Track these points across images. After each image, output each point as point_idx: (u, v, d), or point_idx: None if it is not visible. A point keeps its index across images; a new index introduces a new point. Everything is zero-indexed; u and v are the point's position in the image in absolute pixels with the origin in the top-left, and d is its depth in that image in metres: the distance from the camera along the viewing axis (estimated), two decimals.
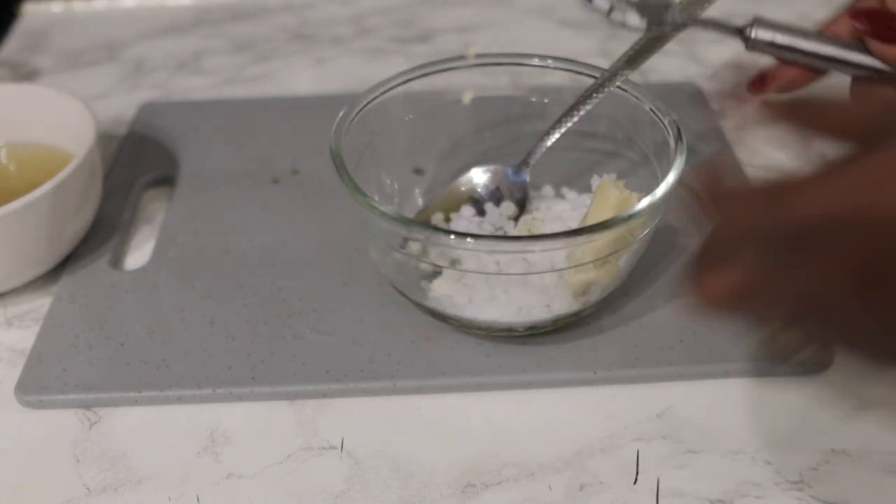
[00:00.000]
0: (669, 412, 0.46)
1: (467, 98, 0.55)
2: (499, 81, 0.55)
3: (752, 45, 0.41)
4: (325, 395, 0.47)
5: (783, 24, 0.42)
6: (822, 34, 0.42)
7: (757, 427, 0.45)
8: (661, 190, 0.44)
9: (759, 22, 0.42)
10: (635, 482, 0.43)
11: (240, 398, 0.47)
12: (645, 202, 0.43)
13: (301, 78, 0.77)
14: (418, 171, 0.57)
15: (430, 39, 0.82)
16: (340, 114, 0.50)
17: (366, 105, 0.51)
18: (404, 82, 0.53)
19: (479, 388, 0.47)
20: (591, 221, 0.45)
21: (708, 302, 0.32)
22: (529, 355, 0.48)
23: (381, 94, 0.52)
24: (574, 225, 0.51)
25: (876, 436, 0.44)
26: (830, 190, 0.29)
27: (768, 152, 0.62)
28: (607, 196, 0.46)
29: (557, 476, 0.43)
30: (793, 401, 0.46)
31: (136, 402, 0.47)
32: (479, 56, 0.54)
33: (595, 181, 0.49)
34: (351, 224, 0.56)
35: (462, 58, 0.54)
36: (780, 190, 0.31)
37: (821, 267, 0.29)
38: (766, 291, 0.31)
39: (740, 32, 0.42)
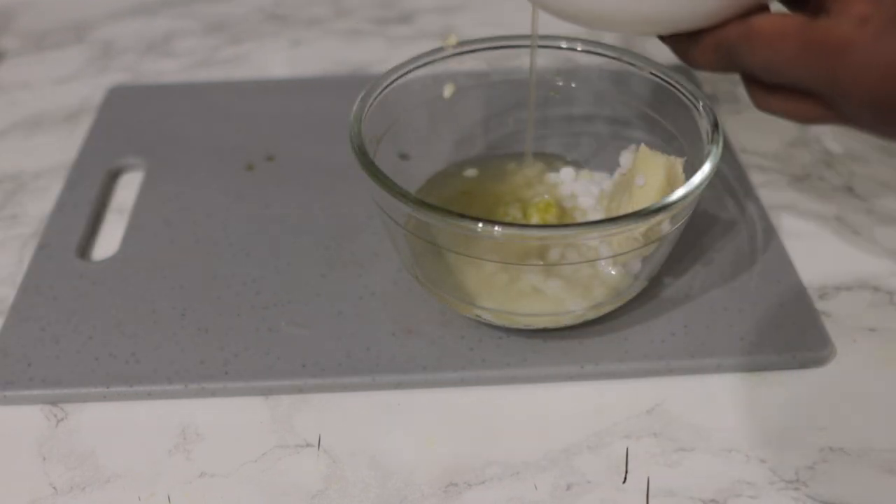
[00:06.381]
0: (660, 408, 0.45)
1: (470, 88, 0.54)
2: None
3: None
4: (301, 391, 0.46)
5: None
6: None
7: (751, 424, 0.44)
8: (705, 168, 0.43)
9: None
10: (624, 481, 0.42)
11: (213, 394, 0.46)
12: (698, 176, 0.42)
13: (276, 60, 0.75)
14: (403, 157, 0.55)
15: (412, 20, 0.80)
16: (360, 96, 0.48)
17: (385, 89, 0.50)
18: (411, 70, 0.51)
19: (461, 383, 0.46)
20: (642, 190, 0.45)
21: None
22: (514, 349, 0.47)
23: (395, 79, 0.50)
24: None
25: (874, 433, 0.44)
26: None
27: (761, 140, 0.62)
28: (654, 164, 0.45)
29: (543, 475, 0.42)
30: (789, 397, 0.45)
31: (104, 398, 0.46)
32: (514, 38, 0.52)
33: (627, 154, 0.48)
34: (327, 213, 0.56)
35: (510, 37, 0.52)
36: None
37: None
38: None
39: None
